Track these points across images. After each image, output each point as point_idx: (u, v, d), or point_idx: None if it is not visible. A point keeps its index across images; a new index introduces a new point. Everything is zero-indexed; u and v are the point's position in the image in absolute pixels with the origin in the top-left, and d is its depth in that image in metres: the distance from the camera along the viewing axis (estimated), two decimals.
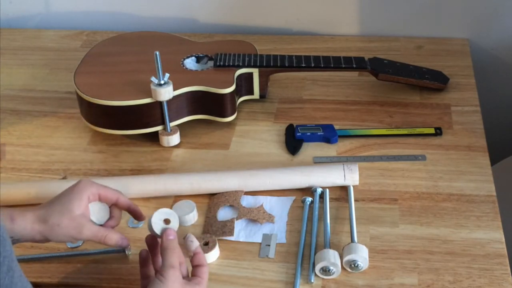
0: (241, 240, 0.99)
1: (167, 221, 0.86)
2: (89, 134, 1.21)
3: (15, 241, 0.83)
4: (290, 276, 0.92)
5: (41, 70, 1.41)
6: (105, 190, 0.89)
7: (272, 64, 1.21)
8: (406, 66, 1.26)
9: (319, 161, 1.12)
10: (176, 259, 0.82)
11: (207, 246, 0.95)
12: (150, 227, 0.86)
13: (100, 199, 0.89)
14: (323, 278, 0.91)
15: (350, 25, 1.46)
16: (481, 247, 0.95)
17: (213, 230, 0.99)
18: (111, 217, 0.91)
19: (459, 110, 1.21)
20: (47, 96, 1.32)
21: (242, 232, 1.00)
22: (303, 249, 0.96)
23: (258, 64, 1.21)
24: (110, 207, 0.92)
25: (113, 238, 0.87)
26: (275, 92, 1.29)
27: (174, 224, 0.86)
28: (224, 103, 1.16)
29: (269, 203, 1.04)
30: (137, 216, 0.93)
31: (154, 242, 0.87)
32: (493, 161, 1.13)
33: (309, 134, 1.16)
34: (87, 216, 0.87)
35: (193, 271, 0.85)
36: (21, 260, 0.96)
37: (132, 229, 1.01)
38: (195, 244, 0.86)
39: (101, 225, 0.90)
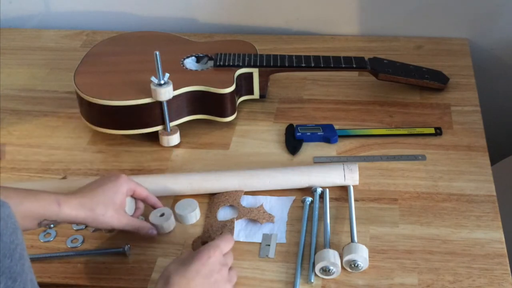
0: (241, 240, 0.98)
1: (162, 215, 1.00)
2: (89, 134, 1.21)
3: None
4: (290, 276, 0.92)
5: (41, 70, 1.41)
6: (139, 188, 0.97)
7: (272, 64, 1.21)
8: (406, 66, 1.26)
9: (319, 161, 1.12)
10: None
11: None
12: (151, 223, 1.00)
13: (134, 195, 0.98)
14: (323, 278, 0.91)
15: (350, 25, 1.46)
16: (481, 247, 0.95)
17: (213, 230, 0.99)
18: (136, 208, 1.00)
19: (459, 110, 1.21)
20: (47, 96, 1.32)
21: (242, 232, 1.00)
22: (303, 249, 0.96)
23: (258, 64, 1.20)
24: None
25: (145, 227, 0.97)
26: (275, 92, 1.29)
27: (168, 216, 0.99)
28: (224, 103, 1.16)
29: (269, 203, 1.04)
30: (155, 206, 1.01)
31: None
32: (493, 161, 1.13)
33: (309, 134, 1.16)
34: (124, 207, 0.95)
35: None
36: None
37: None
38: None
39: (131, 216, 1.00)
